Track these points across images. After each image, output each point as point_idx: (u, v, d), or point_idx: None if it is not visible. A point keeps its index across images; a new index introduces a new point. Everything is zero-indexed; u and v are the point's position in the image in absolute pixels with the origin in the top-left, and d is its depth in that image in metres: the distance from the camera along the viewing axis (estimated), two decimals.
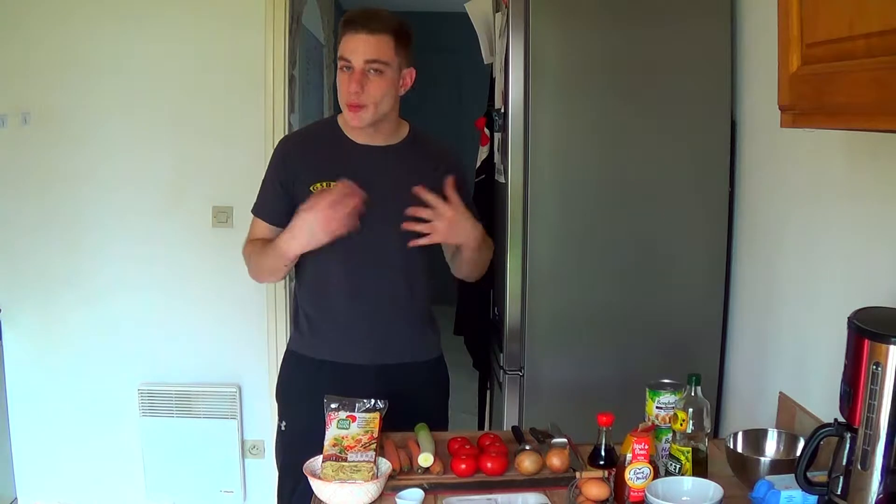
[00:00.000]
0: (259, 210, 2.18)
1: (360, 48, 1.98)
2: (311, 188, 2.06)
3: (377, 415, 1.86)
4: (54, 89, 3.35)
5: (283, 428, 2.20)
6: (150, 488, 3.48)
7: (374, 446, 1.79)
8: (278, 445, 2.23)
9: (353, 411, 1.87)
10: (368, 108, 2.02)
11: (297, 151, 2.15)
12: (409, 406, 2.08)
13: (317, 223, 1.96)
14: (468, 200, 2.20)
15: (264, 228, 2.15)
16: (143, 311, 3.45)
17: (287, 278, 2.38)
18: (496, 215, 2.79)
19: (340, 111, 2.14)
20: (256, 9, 3.34)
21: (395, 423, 1.98)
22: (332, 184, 2.03)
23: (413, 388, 2.15)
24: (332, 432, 1.82)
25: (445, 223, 2.01)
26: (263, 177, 2.19)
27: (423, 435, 1.94)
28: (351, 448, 1.77)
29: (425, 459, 1.82)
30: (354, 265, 2.11)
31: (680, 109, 2.48)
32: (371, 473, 1.72)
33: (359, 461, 1.74)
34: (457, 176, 2.12)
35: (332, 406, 1.87)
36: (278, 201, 2.12)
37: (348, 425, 1.83)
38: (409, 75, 2.08)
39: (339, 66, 2.03)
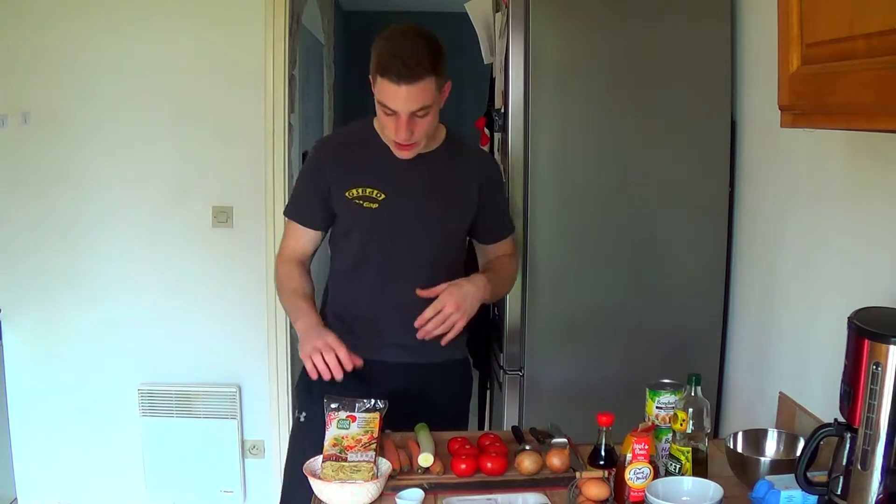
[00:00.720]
0: (294, 213, 2.18)
1: (403, 99, 1.91)
2: (347, 193, 2.07)
3: (377, 415, 1.86)
4: (54, 89, 3.35)
5: (301, 419, 2.18)
6: (150, 488, 3.48)
7: (374, 446, 1.79)
8: (294, 436, 2.21)
9: (353, 411, 1.87)
10: (418, 145, 2.02)
11: (334, 157, 2.15)
12: (432, 405, 2.09)
13: (312, 350, 1.95)
14: (499, 201, 2.26)
15: (300, 231, 2.17)
16: (143, 311, 3.45)
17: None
18: None
19: (374, 116, 2.11)
20: (256, 9, 3.34)
21: (419, 418, 2.00)
22: (370, 191, 2.06)
23: (438, 387, 2.16)
24: (331, 432, 1.82)
25: (454, 310, 2.00)
26: (297, 180, 2.21)
27: (423, 435, 1.94)
28: (351, 448, 1.77)
29: (425, 459, 1.82)
30: (392, 271, 2.11)
31: (680, 109, 2.48)
32: (371, 473, 1.72)
33: (359, 461, 1.74)
34: (491, 178, 2.20)
35: (332, 406, 1.87)
36: (314, 206, 2.13)
37: (348, 425, 1.83)
38: (447, 88, 2.03)
39: (379, 105, 1.97)
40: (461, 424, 2.28)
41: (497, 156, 2.76)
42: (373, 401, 1.89)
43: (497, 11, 2.74)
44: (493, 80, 2.87)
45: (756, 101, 2.39)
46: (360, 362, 1.97)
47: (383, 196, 2.07)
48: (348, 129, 2.29)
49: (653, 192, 2.50)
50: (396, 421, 2.04)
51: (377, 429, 1.83)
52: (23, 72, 3.34)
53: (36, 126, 3.37)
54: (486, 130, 2.93)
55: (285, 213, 2.22)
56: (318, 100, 5.32)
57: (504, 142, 2.55)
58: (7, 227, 3.42)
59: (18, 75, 3.35)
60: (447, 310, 1.99)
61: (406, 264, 2.11)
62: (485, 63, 2.98)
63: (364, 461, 1.74)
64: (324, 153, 2.20)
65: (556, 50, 2.44)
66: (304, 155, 3.85)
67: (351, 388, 1.94)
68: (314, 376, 1.96)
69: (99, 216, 3.41)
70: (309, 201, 2.15)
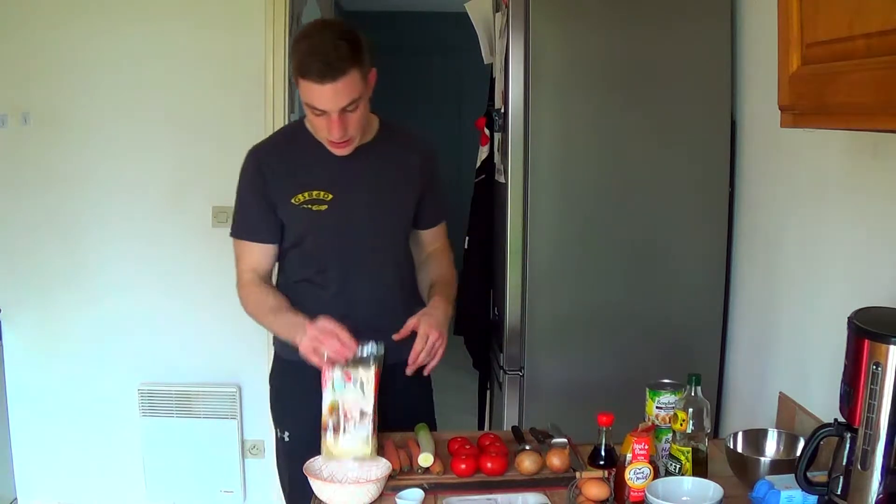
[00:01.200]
0: (245, 232, 2.06)
1: (330, 98, 1.85)
2: (293, 200, 2.00)
3: (375, 367, 1.83)
4: (54, 89, 3.35)
5: (286, 438, 2.13)
6: (150, 488, 3.48)
7: (373, 406, 1.79)
8: (282, 456, 2.16)
9: (349, 367, 1.82)
10: (354, 140, 1.97)
11: (272, 162, 2.04)
12: (401, 406, 2.08)
13: (314, 331, 1.89)
14: (437, 184, 2.20)
15: (255, 250, 2.06)
16: (143, 311, 3.45)
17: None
18: (496, 215, 2.80)
19: (304, 116, 2.09)
20: (256, 9, 3.34)
21: (390, 424, 1.99)
22: (316, 193, 2.00)
23: (401, 387, 2.14)
24: (327, 397, 1.80)
25: (437, 337, 1.96)
26: (237, 197, 2.07)
27: (423, 435, 1.94)
28: (348, 416, 1.77)
29: (425, 459, 1.82)
30: (346, 267, 2.06)
31: (680, 109, 2.48)
32: (372, 442, 1.74)
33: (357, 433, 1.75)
34: (430, 161, 2.16)
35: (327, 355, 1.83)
36: (265, 218, 2.03)
37: (343, 385, 1.80)
38: (373, 76, 1.97)
39: (306, 107, 1.92)
40: (430, 419, 2.23)
41: (497, 156, 2.76)
42: (370, 344, 1.86)
43: (497, 11, 2.74)
44: (493, 80, 2.87)
45: (756, 101, 2.39)
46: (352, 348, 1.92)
47: (331, 196, 2.01)
48: (280, 133, 2.19)
49: (653, 192, 2.50)
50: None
51: (376, 384, 1.82)
52: (23, 72, 3.34)
53: (36, 126, 3.37)
54: (486, 130, 2.93)
55: (234, 235, 2.07)
56: None
57: (504, 142, 2.55)
58: (7, 227, 3.42)
59: (18, 75, 3.35)
60: (432, 338, 1.95)
61: (367, 259, 2.06)
62: (485, 63, 2.98)
63: (361, 433, 1.74)
64: (261, 162, 2.06)
65: (556, 50, 2.44)
66: None
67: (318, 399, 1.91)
68: (320, 365, 1.89)
69: (99, 216, 3.41)
70: (258, 215, 2.03)
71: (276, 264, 2.14)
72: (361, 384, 1.82)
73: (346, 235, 2.04)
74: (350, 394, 1.81)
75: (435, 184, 2.20)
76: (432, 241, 2.24)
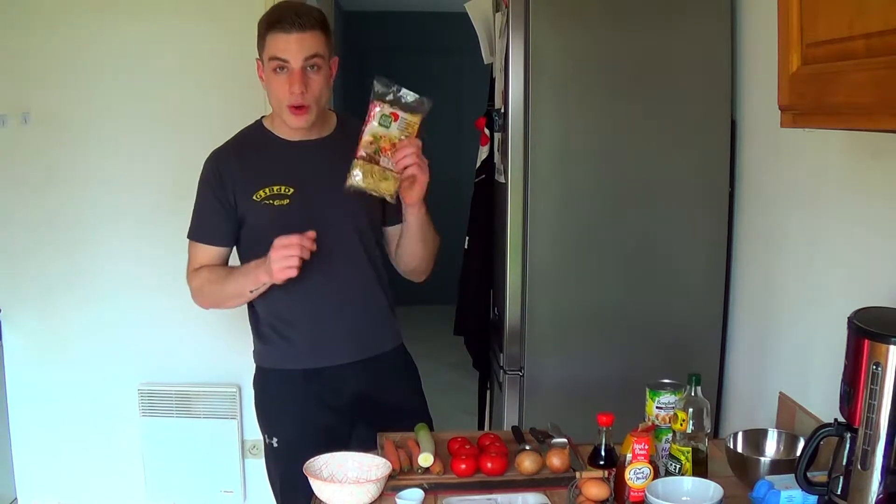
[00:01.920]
0: (201, 234, 2.09)
1: (296, 47, 1.93)
2: (255, 196, 2.03)
3: (419, 117, 1.83)
4: (54, 89, 3.35)
5: (274, 444, 2.14)
6: (150, 488, 3.48)
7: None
8: (272, 461, 2.17)
9: (397, 107, 1.82)
10: (312, 108, 1.98)
11: (230, 163, 2.08)
12: (390, 401, 2.08)
13: (274, 264, 1.89)
14: None
15: (210, 252, 2.09)
16: (143, 311, 3.44)
17: None
18: (496, 215, 2.80)
19: (262, 116, 2.15)
20: (256, 9, 3.32)
21: (381, 420, 2.01)
22: (277, 188, 2.02)
23: (388, 380, 2.14)
24: (371, 128, 1.79)
25: (416, 150, 1.88)
26: (196, 200, 2.11)
27: (423, 435, 1.94)
28: (385, 151, 1.76)
29: (425, 459, 1.82)
30: (317, 261, 2.00)
31: (680, 109, 2.48)
32: (396, 184, 1.75)
33: (389, 168, 1.74)
34: None
35: (378, 91, 1.82)
36: (221, 220, 2.06)
37: (389, 123, 1.79)
38: (335, 64, 2.05)
39: (270, 68, 1.97)
40: (423, 412, 2.22)
41: (497, 156, 2.76)
42: (417, 96, 1.84)
43: (497, 11, 2.74)
44: (493, 80, 2.87)
45: (756, 101, 2.39)
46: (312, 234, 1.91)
47: (292, 190, 2.03)
48: (238, 136, 2.21)
49: (653, 192, 2.50)
50: (360, 429, 2.05)
51: (416, 133, 1.81)
52: (23, 72, 3.34)
53: (36, 126, 3.36)
54: (486, 130, 2.93)
55: (190, 237, 2.11)
56: None
57: (504, 142, 2.55)
58: (7, 227, 3.42)
59: (18, 75, 3.34)
60: (409, 149, 1.86)
61: (332, 252, 2.04)
62: (485, 63, 2.98)
63: (392, 170, 1.73)
64: (219, 163, 2.10)
65: (556, 50, 2.44)
66: None
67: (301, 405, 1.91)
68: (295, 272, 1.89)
69: (99, 216, 3.41)
70: (215, 217, 2.06)
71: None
72: (405, 126, 1.81)
73: (310, 228, 1.97)
74: (393, 131, 1.79)
75: None
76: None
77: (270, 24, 1.95)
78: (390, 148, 1.77)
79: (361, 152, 1.76)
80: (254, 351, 2.23)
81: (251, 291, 2.04)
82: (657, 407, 1.84)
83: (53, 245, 3.42)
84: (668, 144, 2.48)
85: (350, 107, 6.10)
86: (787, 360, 2.17)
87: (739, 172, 2.50)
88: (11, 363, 3.47)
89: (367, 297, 2.14)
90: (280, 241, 1.89)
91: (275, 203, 2.03)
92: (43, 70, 3.33)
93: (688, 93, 2.47)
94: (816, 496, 1.49)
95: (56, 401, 3.48)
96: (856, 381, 1.36)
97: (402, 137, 1.79)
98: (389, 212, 2.13)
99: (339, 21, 6.36)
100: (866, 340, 1.34)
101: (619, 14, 2.46)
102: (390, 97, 1.82)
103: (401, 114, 1.81)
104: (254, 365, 2.24)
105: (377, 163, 1.72)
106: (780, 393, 2.10)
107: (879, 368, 1.32)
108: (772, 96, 1.46)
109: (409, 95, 1.84)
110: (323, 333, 2.11)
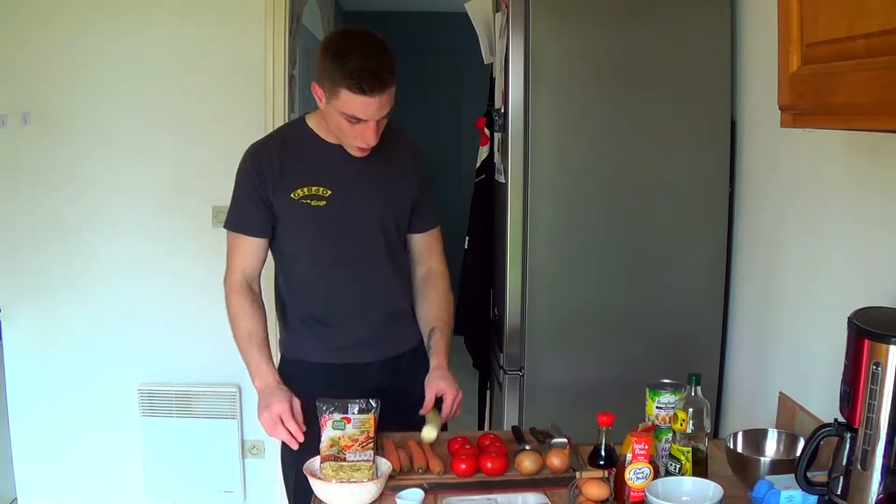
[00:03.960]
0: (239, 224, 2.10)
1: (376, 109, 1.89)
2: (292, 195, 2.04)
3: (371, 415, 1.86)
4: (54, 89, 3.35)
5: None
6: (150, 488, 3.48)
7: (371, 445, 1.79)
8: (288, 455, 2.15)
9: (347, 412, 1.86)
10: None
11: (272, 160, 2.07)
12: (407, 397, 2.09)
13: (268, 419, 1.96)
14: (429, 183, 2.22)
15: (248, 244, 2.09)
16: (142, 311, 3.45)
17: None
18: (496, 215, 2.80)
19: (306, 113, 2.13)
20: (256, 9, 3.34)
21: (397, 415, 2.00)
22: (315, 189, 2.03)
23: (406, 377, 2.15)
24: (327, 433, 1.81)
25: (457, 392, 2.08)
26: (234, 192, 2.11)
27: (432, 414, 1.99)
28: (348, 448, 1.77)
29: (428, 433, 1.83)
30: (351, 265, 2.09)
31: (680, 109, 2.48)
32: (371, 472, 1.72)
33: (358, 460, 1.74)
34: (418, 156, 2.19)
35: (325, 408, 1.86)
36: (259, 213, 2.06)
37: (343, 426, 1.82)
38: None
39: (341, 116, 1.92)
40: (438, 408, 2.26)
41: (497, 156, 2.76)
42: (364, 401, 1.88)
43: (497, 11, 2.74)
44: (493, 80, 2.87)
45: (756, 101, 2.39)
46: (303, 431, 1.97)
47: (329, 192, 2.04)
48: (280, 131, 2.22)
49: (653, 192, 2.50)
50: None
51: (373, 428, 1.83)
52: (23, 72, 3.34)
53: (36, 126, 3.36)
54: (486, 130, 2.94)
55: (227, 227, 2.11)
56: None
57: (504, 142, 2.55)
58: (7, 227, 3.42)
59: (18, 75, 3.34)
60: (458, 398, 2.09)
61: (364, 255, 2.09)
62: (485, 63, 2.98)
63: (363, 461, 1.74)
64: (260, 159, 2.09)
65: (556, 50, 2.44)
66: None
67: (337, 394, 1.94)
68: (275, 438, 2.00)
69: (99, 216, 3.41)
70: (253, 209, 2.07)
71: (268, 264, 2.15)
72: (360, 423, 1.83)
73: (344, 231, 2.06)
74: (349, 431, 1.82)
75: (428, 182, 2.21)
76: (427, 252, 2.22)
77: (350, 84, 1.85)
78: (353, 444, 1.79)
79: (326, 454, 1.78)
80: (280, 340, 2.26)
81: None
82: (657, 407, 1.84)
83: (53, 245, 3.42)
84: (668, 144, 2.48)
85: None
86: (787, 360, 2.16)
87: (739, 172, 2.50)
88: (11, 363, 3.47)
89: (393, 300, 2.17)
90: (275, 413, 1.95)
91: (311, 203, 2.05)
92: (43, 70, 3.33)
93: (688, 93, 2.47)
94: (816, 496, 1.49)
95: (56, 401, 3.48)
96: (856, 381, 1.36)
97: (360, 434, 1.81)
98: (415, 218, 2.18)
99: (339, 21, 6.36)
100: (866, 340, 1.34)
101: (619, 14, 2.46)
102: (335, 412, 1.85)
103: (353, 416, 1.85)
104: None
105: (344, 460, 1.74)
106: (780, 393, 2.10)
107: (879, 368, 1.32)
108: (772, 96, 1.47)
109: (353, 405, 1.87)
110: (352, 333, 2.13)
